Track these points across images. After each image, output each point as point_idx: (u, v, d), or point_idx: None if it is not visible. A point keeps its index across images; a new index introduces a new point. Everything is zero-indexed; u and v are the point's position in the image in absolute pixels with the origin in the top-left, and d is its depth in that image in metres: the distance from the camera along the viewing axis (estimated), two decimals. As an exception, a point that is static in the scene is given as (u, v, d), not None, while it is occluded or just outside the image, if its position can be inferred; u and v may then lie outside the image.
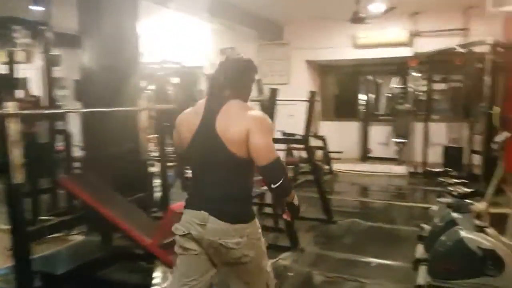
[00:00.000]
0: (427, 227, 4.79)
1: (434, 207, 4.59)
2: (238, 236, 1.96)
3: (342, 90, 10.53)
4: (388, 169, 8.50)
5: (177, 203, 3.02)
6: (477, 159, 8.02)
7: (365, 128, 9.37)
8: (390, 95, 9.80)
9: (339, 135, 9.10)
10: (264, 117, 1.95)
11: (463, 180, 3.90)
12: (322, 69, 10.24)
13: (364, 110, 9.72)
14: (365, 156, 9.31)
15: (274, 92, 3.99)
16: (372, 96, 10.07)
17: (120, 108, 3.60)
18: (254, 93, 5.09)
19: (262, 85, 5.15)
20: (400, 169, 8.44)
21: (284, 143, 6.78)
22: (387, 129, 9.49)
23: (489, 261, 3.07)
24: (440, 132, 8.62)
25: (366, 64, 9.48)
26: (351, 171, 8.50)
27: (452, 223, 3.72)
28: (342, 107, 10.32)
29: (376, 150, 9.46)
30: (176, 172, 5.37)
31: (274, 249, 4.08)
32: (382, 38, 8.39)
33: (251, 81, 2.10)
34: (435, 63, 7.95)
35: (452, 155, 7.90)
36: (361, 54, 8.67)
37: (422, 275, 3.39)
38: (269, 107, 4.00)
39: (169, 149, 5.30)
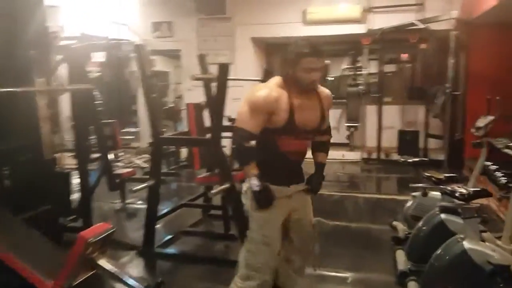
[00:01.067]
0: (400, 226, 4.22)
1: (410, 203, 4.00)
2: None
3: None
4: (340, 155, 7.94)
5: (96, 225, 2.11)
6: (433, 143, 7.71)
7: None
8: (341, 76, 9.22)
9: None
10: (251, 90, 2.16)
11: (451, 175, 3.29)
12: (269, 48, 9.42)
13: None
14: (316, 141, 8.69)
15: (224, 68, 3.11)
16: (324, 77, 9.41)
17: (10, 89, 2.53)
18: (197, 71, 4.23)
19: (206, 62, 4.23)
20: (354, 155, 7.92)
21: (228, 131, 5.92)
22: (338, 112, 8.95)
23: (499, 278, 2.45)
24: (394, 116, 8.20)
25: (318, 42, 8.77)
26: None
27: (442, 227, 3.12)
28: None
29: (327, 135, 8.89)
30: (101, 168, 4.34)
31: (223, 265, 3.29)
32: (334, 13, 7.73)
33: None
34: (389, 42, 7.40)
35: (407, 139, 7.50)
36: (312, 31, 7.94)
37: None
38: (219, 86, 3.11)
39: (92, 139, 4.29)
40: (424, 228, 3.20)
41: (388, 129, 7.91)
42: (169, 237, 3.97)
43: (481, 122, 3.68)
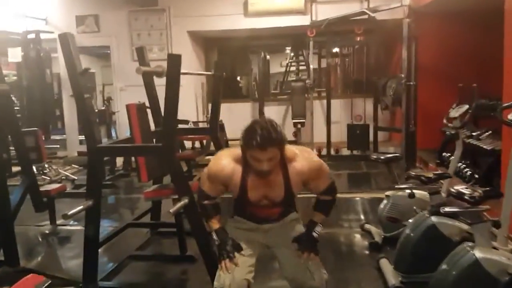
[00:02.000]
0: (373, 229, 3.89)
1: (384, 204, 3.67)
2: None
3: (232, 67, 9.30)
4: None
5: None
6: (381, 136, 7.61)
7: (260, 109, 8.30)
8: (285, 71, 8.88)
9: (231, 119, 7.86)
10: (215, 156, 2.15)
11: (441, 172, 2.97)
12: (208, 43, 8.85)
13: (258, 89, 8.65)
14: (262, 140, 8.27)
15: (175, 60, 2.53)
16: (266, 72, 9.03)
17: None
18: (130, 69, 3.56)
19: (146, 53, 3.61)
20: (304, 153, 7.58)
21: (187, 134, 5.34)
22: (283, 109, 8.61)
23: (517, 290, 2.14)
24: (342, 110, 8.01)
25: (259, 36, 8.36)
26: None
27: (434, 232, 2.79)
28: (233, 87, 9.12)
29: (273, 133, 8.51)
30: (24, 185, 3.56)
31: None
32: (277, 4, 7.34)
33: None
34: (335, 34, 7.15)
35: (357, 133, 7.31)
36: (253, 24, 7.50)
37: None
38: (170, 81, 2.52)
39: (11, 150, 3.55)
40: (413, 234, 2.86)
41: (337, 124, 7.70)
42: (115, 265, 3.31)
43: (455, 112, 3.40)
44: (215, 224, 2.11)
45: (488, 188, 2.21)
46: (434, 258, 2.48)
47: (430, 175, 2.80)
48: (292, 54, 8.69)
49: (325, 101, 7.61)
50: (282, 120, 8.61)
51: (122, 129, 7.69)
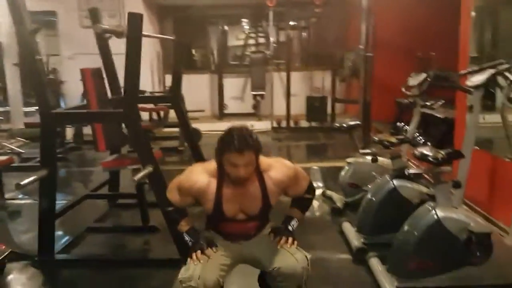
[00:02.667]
0: (335, 195, 3.95)
1: (345, 171, 3.73)
2: None
3: (188, 37, 9.00)
4: (249, 125, 7.52)
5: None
6: (338, 108, 7.72)
7: (219, 82, 8.16)
8: (244, 43, 8.73)
9: (189, 91, 7.67)
10: (189, 168, 2.05)
11: (403, 137, 3.03)
12: (163, 11, 8.49)
13: (216, 61, 8.48)
14: (221, 113, 8.18)
15: (136, 19, 2.37)
16: (225, 45, 8.82)
17: None
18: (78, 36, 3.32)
19: (100, 15, 3.40)
20: (263, 125, 7.58)
21: (147, 102, 5.16)
22: (242, 81, 8.51)
23: (476, 247, 2.25)
24: (301, 82, 8.02)
25: (217, 5, 8.12)
26: (211, 131, 7.26)
27: (395, 194, 2.87)
28: (189, 58, 8.87)
29: (232, 105, 8.43)
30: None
31: (144, 266, 2.75)
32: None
33: None
34: (293, 5, 7.07)
35: (315, 105, 7.38)
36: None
37: (383, 278, 2.43)
38: (130, 42, 2.37)
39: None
40: (375, 198, 2.93)
41: (296, 97, 7.70)
42: (72, 238, 3.17)
43: (414, 80, 3.47)
44: (184, 226, 2.03)
45: (450, 150, 2.27)
46: (395, 219, 2.56)
47: (393, 139, 2.85)
48: (250, 26, 8.54)
49: (284, 74, 7.58)
50: (241, 93, 8.53)
51: (71, 100, 7.31)
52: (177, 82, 3.78)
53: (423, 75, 3.53)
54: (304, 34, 8.35)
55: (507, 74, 2.57)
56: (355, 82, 6.65)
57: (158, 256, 2.92)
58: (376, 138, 2.92)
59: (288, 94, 7.39)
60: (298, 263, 1.88)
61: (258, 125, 7.54)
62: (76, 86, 5.68)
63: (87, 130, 6.63)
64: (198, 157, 3.85)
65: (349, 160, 3.74)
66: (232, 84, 8.46)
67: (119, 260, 2.91)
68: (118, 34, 2.38)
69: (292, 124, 7.48)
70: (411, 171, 2.44)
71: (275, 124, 7.58)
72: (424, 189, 2.83)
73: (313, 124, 7.47)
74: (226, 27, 9.21)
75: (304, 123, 7.54)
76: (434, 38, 5.66)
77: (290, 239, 1.96)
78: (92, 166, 5.36)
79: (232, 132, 1.80)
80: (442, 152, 2.26)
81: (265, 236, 2.05)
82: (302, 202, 2.12)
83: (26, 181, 2.43)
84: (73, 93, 7.19)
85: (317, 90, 7.52)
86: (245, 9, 8.23)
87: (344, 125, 3.65)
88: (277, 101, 7.76)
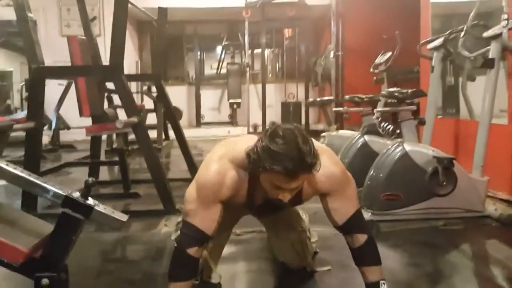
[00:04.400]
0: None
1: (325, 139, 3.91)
2: None
3: (166, 50, 9.24)
4: (226, 131, 7.72)
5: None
6: (313, 117, 8.01)
7: (197, 92, 8.39)
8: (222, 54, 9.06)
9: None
10: (203, 166, 1.48)
11: (374, 95, 3.25)
12: (141, 27, 8.74)
13: (193, 73, 8.74)
14: (198, 122, 8.35)
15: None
16: (203, 56, 9.13)
17: None
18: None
19: None
20: (240, 130, 7.76)
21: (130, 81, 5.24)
22: (218, 92, 8.75)
23: (442, 177, 2.44)
24: (277, 93, 8.30)
25: (194, 19, 8.44)
26: (187, 137, 7.39)
27: (366, 147, 3.07)
28: (167, 70, 9.07)
29: (208, 115, 8.62)
30: None
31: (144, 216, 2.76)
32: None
33: None
34: (269, 18, 7.43)
35: (290, 110, 7.66)
36: (188, 3, 7.58)
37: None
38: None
39: None
40: (348, 152, 3.12)
41: (271, 107, 7.93)
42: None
43: (380, 59, 3.77)
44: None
45: (415, 89, 2.50)
46: (366, 172, 2.73)
47: (363, 97, 3.08)
48: (226, 39, 8.85)
49: (259, 86, 7.85)
50: (218, 104, 8.75)
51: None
52: (157, 62, 3.95)
53: (389, 54, 3.84)
54: (278, 50, 8.73)
55: (457, 34, 2.85)
56: (328, 86, 6.96)
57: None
58: (347, 96, 3.14)
59: (263, 100, 7.64)
60: (304, 263, 1.82)
61: (234, 131, 7.73)
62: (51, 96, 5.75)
63: (63, 135, 6.68)
64: (180, 136, 3.96)
65: (323, 134, 3.94)
66: (210, 96, 8.69)
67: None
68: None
69: (268, 129, 7.68)
70: (379, 109, 2.63)
71: (251, 130, 7.77)
72: (390, 142, 3.04)
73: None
74: (202, 54, 9.53)
75: (280, 129, 7.76)
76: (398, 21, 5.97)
77: None
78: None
79: (285, 143, 1.23)
80: (409, 90, 2.49)
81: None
82: (368, 248, 1.47)
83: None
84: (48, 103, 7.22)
85: (291, 95, 7.80)
86: (223, 24, 8.57)
87: (318, 99, 3.87)
88: (253, 111, 8.00)
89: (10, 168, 1.48)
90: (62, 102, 6.02)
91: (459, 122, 3.40)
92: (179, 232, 1.50)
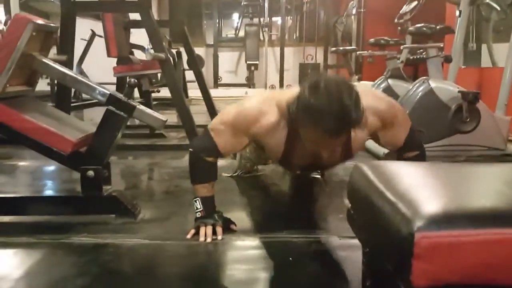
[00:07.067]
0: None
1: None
2: None
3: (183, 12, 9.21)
4: (243, 92, 7.74)
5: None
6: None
7: (215, 54, 8.37)
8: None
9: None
10: (249, 98, 1.55)
11: (399, 39, 3.24)
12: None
13: (212, 35, 8.69)
14: (216, 83, 8.38)
15: None
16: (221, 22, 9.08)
17: None
18: None
19: None
20: (257, 91, 7.80)
21: None
22: (236, 55, 8.73)
23: (466, 114, 2.46)
24: (295, 57, 8.24)
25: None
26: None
27: (389, 91, 3.09)
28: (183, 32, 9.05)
29: (226, 77, 8.63)
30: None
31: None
32: None
33: None
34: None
35: (308, 72, 7.63)
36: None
37: (375, 149, 2.62)
38: None
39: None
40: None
41: (289, 71, 7.90)
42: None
43: (406, 8, 3.73)
44: (203, 191, 1.44)
45: (443, 26, 2.50)
46: None
47: (389, 39, 3.08)
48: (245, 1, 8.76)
49: (278, 49, 7.80)
50: (235, 66, 8.74)
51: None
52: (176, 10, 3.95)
53: (415, 3, 3.80)
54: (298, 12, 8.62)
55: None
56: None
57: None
58: (372, 39, 3.14)
59: (281, 63, 7.62)
60: None
61: (251, 92, 7.76)
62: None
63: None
64: (201, 83, 4.02)
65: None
66: (227, 58, 8.67)
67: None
68: None
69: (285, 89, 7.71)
70: (406, 45, 2.64)
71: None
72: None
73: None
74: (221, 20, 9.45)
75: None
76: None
77: None
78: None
79: (328, 97, 1.13)
80: (437, 26, 2.49)
81: None
82: (415, 158, 1.48)
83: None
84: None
85: (310, 57, 7.77)
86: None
87: (340, 48, 3.87)
88: (270, 73, 7.99)
89: (58, 66, 1.57)
90: (85, 56, 6.08)
91: (482, 70, 3.39)
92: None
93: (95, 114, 3.76)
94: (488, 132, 2.53)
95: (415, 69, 3.98)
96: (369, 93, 1.45)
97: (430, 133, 2.53)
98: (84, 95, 6.60)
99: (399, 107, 1.49)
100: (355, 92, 1.17)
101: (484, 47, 3.58)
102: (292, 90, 1.33)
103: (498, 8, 3.12)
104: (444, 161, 2.53)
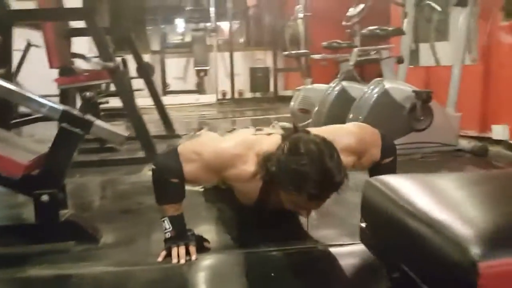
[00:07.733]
0: (286, 124, 4.13)
1: (295, 98, 3.94)
2: None
3: (126, 18, 8.92)
4: (194, 99, 7.63)
5: None
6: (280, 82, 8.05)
7: (161, 61, 8.17)
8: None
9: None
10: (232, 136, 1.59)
11: (350, 42, 3.29)
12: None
13: (156, 41, 8.50)
14: (164, 90, 8.17)
15: None
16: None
17: None
18: None
19: None
20: (208, 98, 7.70)
21: None
22: (183, 61, 8.57)
23: (419, 112, 2.54)
24: (244, 62, 8.21)
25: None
26: (152, 106, 7.22)
27: (344, 93, 3.14)
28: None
29: (174, 84, 8.45)
30: None
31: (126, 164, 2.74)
32: None
33: None
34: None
35: (258, 76, 7.67)
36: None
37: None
38: None
39: None
40: (326, 99, 3.17)
41: (239, 76, 7.85)
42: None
43: (353, 11, 3.81)
44: (170, 210, 1.34)
45: (395, 27, 2.56)
46: (344, 118, 2.80)
47: (341, 42, 3.12)
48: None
49: (227, 54, 7.74)
50: (184, 72, 8.58)
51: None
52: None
53: (361, 6, 3.89)
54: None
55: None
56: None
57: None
58: (325, 43, 3.17)
59: (231, 68, 7.57)
60: None
61: (203, 99, 7.65)
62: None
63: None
64: (153, 92, 3.89)
65: (298, 88, 3.97)
66: (174, 64, 8.50)
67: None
68: None
69: (236, 95, 7.67)
70: (358, 48, 2.68)
71: (220, 97, 7.72)
72: (366, 88, 3.12)
73: (257, 94, 7.71)
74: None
75: (248, 94, 7.76)
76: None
77: None
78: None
79: (310, 162, 1.14)
80: (389, 28, 2.55)
81: None
82: (388, 169, 1.43)
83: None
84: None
85: (260, 61, 7.79)
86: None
87: (293, 52, 3.89)
88: (221, 79, 7.91)
89: (4, 83, 1.42)
90: (20, 68, 5.70)
91: (428, 69, 3.52)
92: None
93: (37, 130, 3.58)
94: (441, 129, 2.63)
95: (361, 70, 4.07)
96: (337, 132, 1.44)
97: (387, 133, 2.58)
98: (21, 109, 6.27)
99: (365, 130, 1.50)
100: (336, 152, 1.19)
101: (421, 46, 3.72)
102: (272, 138, 1.33)
103: (439, 9, 3.26)
104: (402, 159, 2.61)
